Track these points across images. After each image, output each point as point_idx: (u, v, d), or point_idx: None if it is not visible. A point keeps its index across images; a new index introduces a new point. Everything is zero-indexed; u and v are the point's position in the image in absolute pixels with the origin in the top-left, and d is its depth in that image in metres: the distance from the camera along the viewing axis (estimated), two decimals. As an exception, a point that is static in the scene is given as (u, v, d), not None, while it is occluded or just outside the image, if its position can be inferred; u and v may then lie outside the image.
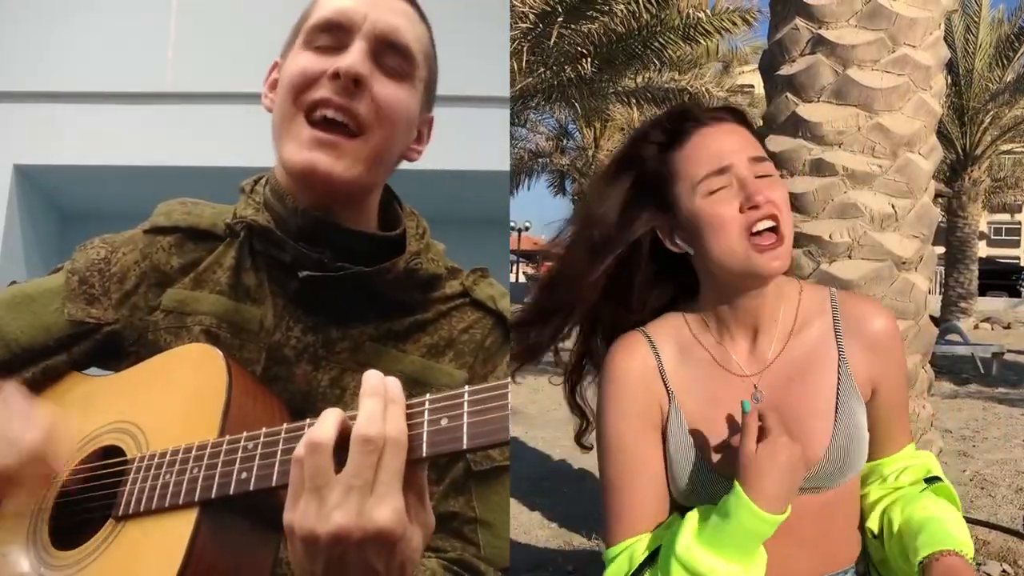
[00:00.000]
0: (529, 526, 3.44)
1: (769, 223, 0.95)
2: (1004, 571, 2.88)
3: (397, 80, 1.06)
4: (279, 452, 0.85)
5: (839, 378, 1.01)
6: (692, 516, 0.94)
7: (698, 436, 1.00)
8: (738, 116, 1.03)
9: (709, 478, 0.99)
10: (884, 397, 1.04)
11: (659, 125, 1.03)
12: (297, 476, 0.78)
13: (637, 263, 1.05)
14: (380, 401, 0.78)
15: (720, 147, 0.98)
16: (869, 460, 1.05)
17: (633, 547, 0.98)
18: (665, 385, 1.02)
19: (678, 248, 1.02)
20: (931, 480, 1.06)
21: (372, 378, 0.79)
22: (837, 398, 1.00)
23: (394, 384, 0.79)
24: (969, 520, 3.25)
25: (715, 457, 1.00)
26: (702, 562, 0.90)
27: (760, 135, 1.06)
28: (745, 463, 0.91)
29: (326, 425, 0.78)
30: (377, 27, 1.04)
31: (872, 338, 1.03)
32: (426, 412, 0.79)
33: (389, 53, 1.05)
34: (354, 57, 1.02)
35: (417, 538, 0.79)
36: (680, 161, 0.99)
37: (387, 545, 0.76)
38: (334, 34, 1.04)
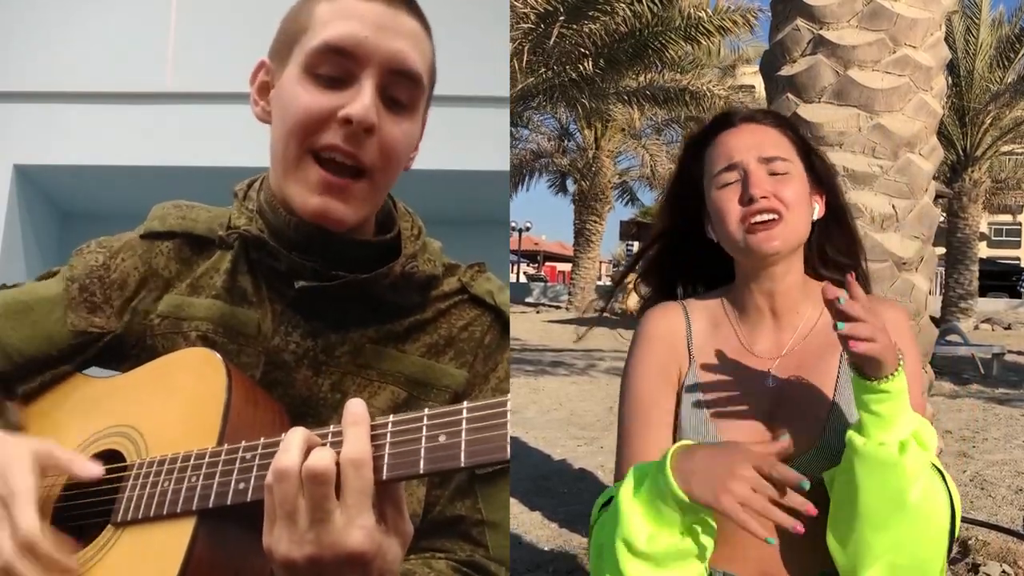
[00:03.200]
0: (529, 526, 3.44)
1: (766, 216, 1.03)
2: (1004, 572, 2.88)
3: (403, 115, 1.03)
4: None
5: (840, 365, 1.05)
6: (637, 467, 0.99)
7: (710, 403, 1.07)
8: (776, 119, 1.13)
9: (709, 441, 1.04)
10: None
11: (702, 127, 1.15)
12: (269, 502, 0.79)
13: (687, 247, 1.17)
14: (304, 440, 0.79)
15: (735, 145, 1.08)
16: None
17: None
18: (689, 350, 1.10)
19: (712, 236, 1.11)
20: None
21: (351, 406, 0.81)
22: (835, 389, 1.04)
23: (354, 404, 0.80)
24: (969, 520, 3.26)
25: (721, 425, 1.06)
26: (629, 516, 0.94)
27: (800, 138, 1.13)
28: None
29: (291, 452, 0.79)
30: (386, 58, 0.99)
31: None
32: (424, 428, 0.79)
33: (397, 84, 1.01)
34: (365, 102, 0.97)
35: (394, 549, 0.81)
36: (707, 158, 1.11)
37: (362, 564, 0.78)
38: (339, 64, 0.98)
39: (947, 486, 0.97)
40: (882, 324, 0.92)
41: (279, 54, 1.06)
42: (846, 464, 0.95)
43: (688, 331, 1.11)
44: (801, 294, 1.09)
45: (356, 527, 0.77)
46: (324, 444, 0.81)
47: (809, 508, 0.88)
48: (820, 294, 1.03)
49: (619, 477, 1.05)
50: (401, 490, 0.81)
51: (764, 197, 1.03)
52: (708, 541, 0.96)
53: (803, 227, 1.07)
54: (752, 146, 1.07)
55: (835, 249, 1.13)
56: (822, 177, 1.13)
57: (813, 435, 1.02)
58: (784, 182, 1.05)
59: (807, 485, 0.89)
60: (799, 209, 1.05)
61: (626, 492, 0.96)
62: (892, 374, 0.91)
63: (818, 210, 1.11)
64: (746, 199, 1.04)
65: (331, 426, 0.83)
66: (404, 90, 1.02)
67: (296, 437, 0.80)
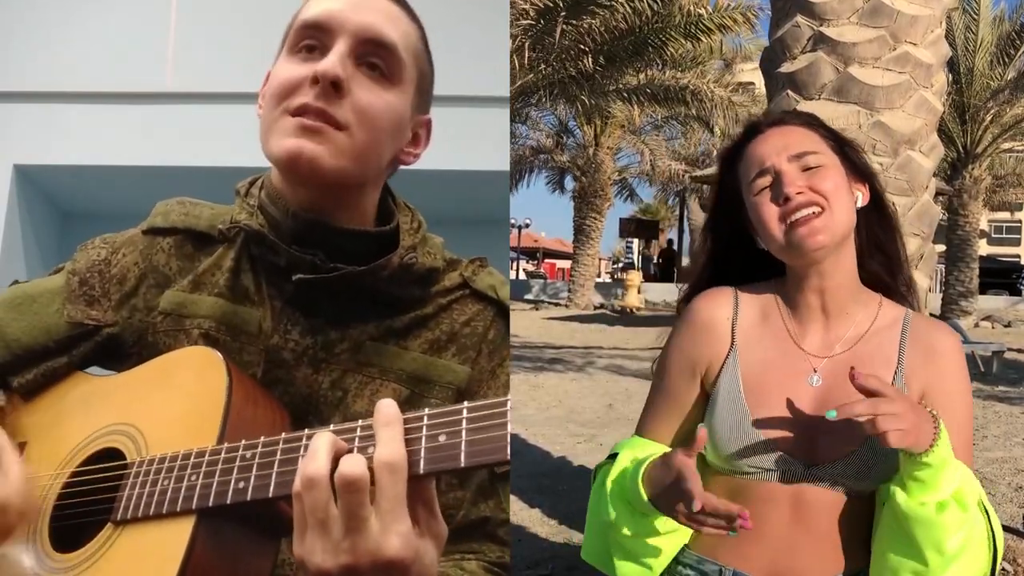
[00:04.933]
0: (529, 523, 3.44)
1: (807, 210, 1.02)
2: (1004, 569, 2.88)
3: (382, 83, 1.05)
4: (276, 463, 0.84)
5: (892, 383, 1.03)
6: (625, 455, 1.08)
7: (748, 391, 1.07)
8: (803, 118, 1.13)
9: (744, 427, 1.05)
10: (930, 407, 1.02)
11: (732, 141, 1.16)
12: (299, 511, 0.76)
13: (738, 263, 1.16)
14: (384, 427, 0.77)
15: (764, 150, 1.08)
16: None
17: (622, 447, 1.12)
18: (732, 335, 1.10)
19: (762, 245, 1.11)
20: None
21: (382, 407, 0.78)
22: None
23: (387, 406, 0.78)
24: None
25: (757, 412, 1.05)
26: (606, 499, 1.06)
27: (832, 132, 1.12)
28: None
29: (319, 458, 0.76)
30: (359, 27, 1.03)
31: (931, 348, 1.06)
32: (424, 428, 0.78)
33: (373, 52, 1.04)
34: (332, 60, 1.00)
35: (431, 552, 0.78)
36: (740, 171, 1.11)
37: (401, 571, 0.75)
38: (316, 37, 1.03)
39: (990, 526, 0.98)
40: (910, 402, 0.91)
41: (277, 55, 1.10)
42: (888, 512, 0.97)
43: (735, 316, 1.11)
44: (852, 294, 1.08)
45: (393, 533, 0.74)
46: (351, 448, 0.79)
47: (744, 524, 0.93)
48: (869, 296, 1.10)
49: (639, 431, 1.15)
50: (432, 490, 0.79)
51: (800, 193, 1.02)
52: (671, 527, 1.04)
53: (847, 216, 1.05)
54: (781, 147, 1.06)
55: (879, 240, 1.12)
56: (860, 167, 1.11)
57: (848, 445, 1.01)
58: (819, 174, 1.04)
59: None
60: (840, 198, 1.04)
61: (607, 489, 1.07)
62: (932, 446, 0.92)
63: (861, 198, 1.10)
64: (781, 198, 1.03)
65: (355, 425, 0.81)
66: (379, 58, 1.04)
67: (323, 441, 0.77)
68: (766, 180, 1.06)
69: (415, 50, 1.10)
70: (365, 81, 1.03)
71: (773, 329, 1.09)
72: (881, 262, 1.12)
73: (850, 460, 1.01)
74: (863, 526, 1.04)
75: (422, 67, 1.12)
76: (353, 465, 0.75)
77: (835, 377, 1.04)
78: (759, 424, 1.04)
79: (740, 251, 1.14)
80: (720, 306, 1.12)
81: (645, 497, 0.99)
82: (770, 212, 1.04)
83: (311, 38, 1.04)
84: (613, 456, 1.11)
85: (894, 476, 0.98)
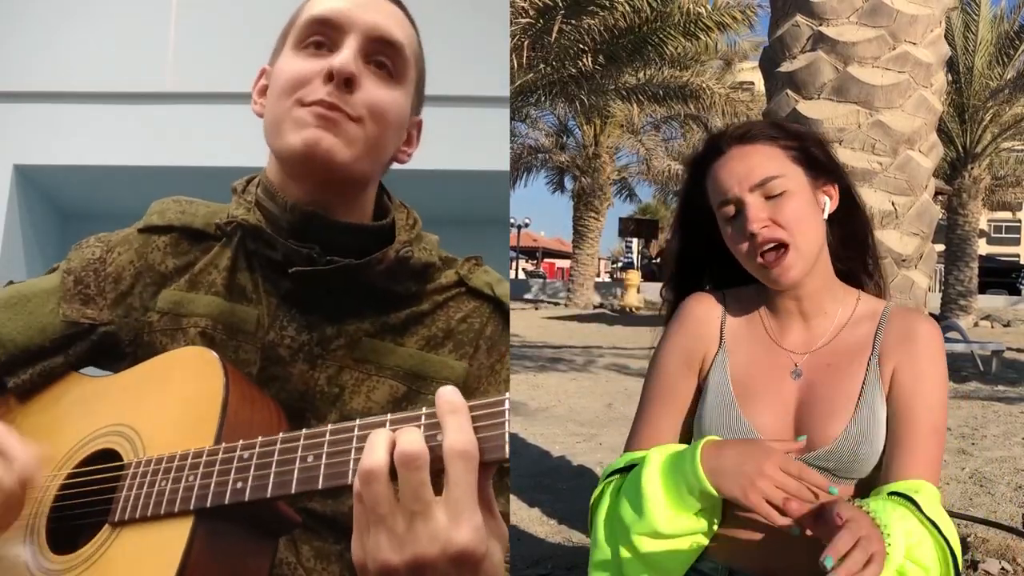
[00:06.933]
0: (528, 522, 3.44)
1: (772, 246, 1.05)
2: (1003, 569, 2.88)
3: (388, 81, 1.06)
4: (274, 463, 0.84)
5: (867, 370, 1.08)
6: (659, 451, 1.05)
7: (737, 388, 1.11)
8: (765, 132, 1.11)
9: (735, 426, 1.08)
10: (900, 385, 1.07)
11: (696, 155, 1.16)
12: (359, 511, 0.73)
13: (711, 254, 1.17)
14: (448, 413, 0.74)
15: (726, 179, 1.08)
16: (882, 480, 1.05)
17: (628, 458, 1.10)
18: (721, 334, 1.14)
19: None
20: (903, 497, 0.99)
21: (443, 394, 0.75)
22: (862, 389, 1.08)
23: (451, 393, 0.75)
24: (968, 518, 3.26)
25: (746, 411, 1.09)
26: (653, 502, 1.01)
27: (794, 137, 1.12)
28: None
29: (377, 451, 0.73)
30: (369, 25, 1.04)
31: (907, 332, 1.09)
32: (423, 428, 0.76)
33: (381, 51, 1.05)
34: (346, 56, 1.02)
35: (498, 553, 0.75)
36: (708, 186, 1.12)
37: (470, 565, 0.71)
38: (325, 33, 1.04)
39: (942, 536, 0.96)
40: (867, 530, 0.88)
41: (275, 53, 1.10)
42: None
43: (723, 316, 1.15)
44: (829, 293, 1.12)
45: (466, 524, 0.71)
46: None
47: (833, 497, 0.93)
48: (846, 292, 1.13)
49: (630, 447, 1.13)
50: (491, 492, 0.76)
51: (765, 227, 1.05)
52: (715, 520, 1.05)
53: (814, 241, 1.08)
54: (742, 175, 1.07)
55: (851, 233, 1.15)
56: (827, 166, 1.13)
57: (834, 432, 1.05)
58: (781, 203, 1.06)
59: (835, 491, 0.94)
60: (804, 226, 1.06)
61: (650, 476, 1.02)
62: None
63: (829, 204, 1.12)
64: (747, 235, 1.05)
65: (418, 414, 0.77)
66: (387, 56, 1.06)
67: (380, 437, 0.74)
68: (731, 210, 1.08)
69: (416, 52, 1.12)
70: (373, 79, 1.05)
71: (756, 331, 1.14)
72: (854, 254, 1.15)
73: (836, 444, 1.05)
74: None
75: (420, 69, 1.14)
76: (411, 440, 0.72)
77: (816, 371, 1.09)
78: (746, 416, 1.08)
79: (710, 248, 1.16)
80: (710, 304, 1.17)
81: (710, 487, 0.97)
82: (741, 247, 1.07)
83: (320, 34, 1.04)
84: (615, 472, 1.10)
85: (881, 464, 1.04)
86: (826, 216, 1.11)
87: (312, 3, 1.07)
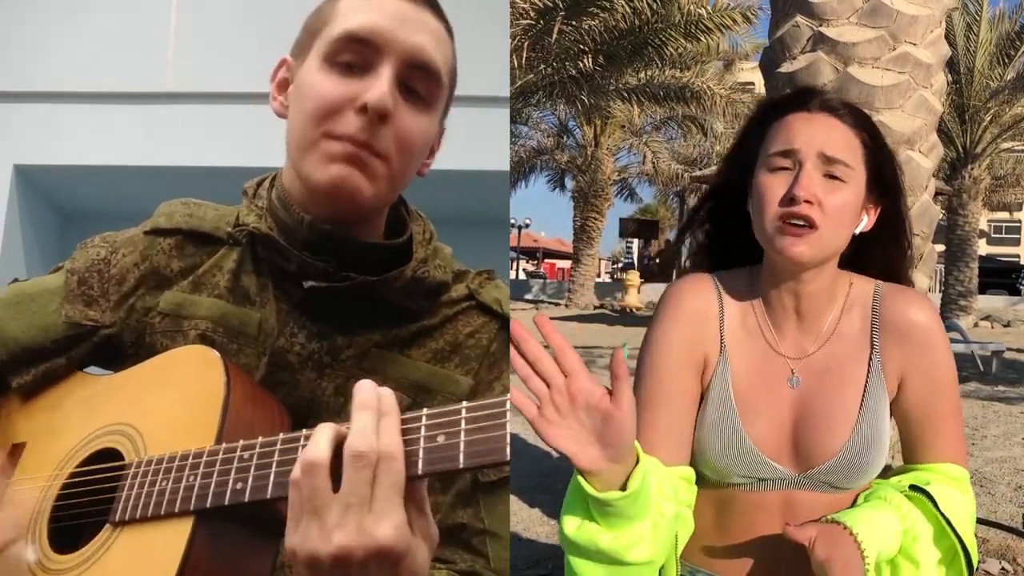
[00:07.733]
0: (529, 523, 3.44)
1: (800, 221, 0.98)
2: (1003, 569, 2.89)
3: (420, 107, 1.02)
4: (274, 463, 0.83)
5: (868, 374, 1.03)
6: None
7: (738, 401, 1.03)
8: (855, 117, 1.04)
9: (736, 439, 1.02)
10: (914, 393, 1.03)
11: (778, 98, 1.08)
12: (296, 498, 0.75)
13: (729, 214, 1.10)
14: (372, 414, 0.75)
15: (798, 132, 1.01)
16: (906, 463, 1.05)
17: None
18: (721, 336, 1.06)
19: (750, 208, 1.05)
20: (920, 491, 0.99)
21: (363, 390, 0.77)
22: (863, 397, 1.02)
23: (387, 395, 0.77)
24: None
25: (746, 422, 1.02)
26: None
27: (876, 144, 1.05)
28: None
29: (320, 444, 0.75)
30: (407, 49, 0.99)
31: (905, 328, 1.03)
32: (423, 428, 0.77)
33: (416, 77, 1.01)
34: (382, 89, 0.97)
35: (423, 552, 0.76)
36: (770, 132, 1.04)
37: (391, 562, 0.74)
38: (359, 52, 0.98)
39: (938, 510, 0.97)
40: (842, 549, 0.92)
41: (300, 49, 1.06)
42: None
43: (721, 315, 1.06)
44: (828, 297, 1.05)
45: (387, 522, 0.73)
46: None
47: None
48: (847, 291, 1.06)
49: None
50: (424, 491, 0.78)
51: (807, 201, 0.97)
52: (646, 511, 0.92)
53: (839, 241, 1.01)
54: (818, 141, 1.00)
55: (880, 258, 1.09)
56: (888, 187, 1.06)
57: (836, 445, 1.01)
58: (835, 190, 0.99)
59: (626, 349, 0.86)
60: (839, 222, 1.00)
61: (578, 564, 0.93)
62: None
63: (865, 223, 1.05)
64: (787, 197, 0.98)
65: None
66: (422, 83, 1.01)
67: (325, 431, 0.76)
68: (785, 162, 1.00)
69: (451, 69, 1.08)
70: (406, 106, 1.00)
71: (752, 333, 1.06)
72: (884, 267, 1.10)
73: (839, 459, 1.01)
74: None
75: (453, 84, 1.10)
76: (362, 440, 0.74)
77: (814, 379, 1.03)
78: (749, 434, 1.02)
79: (736, 215, 1.08)
80: (707, 302, 1.07)
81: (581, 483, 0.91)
82: (772, 201, 0.99)
83: (353, 52, 0.98)
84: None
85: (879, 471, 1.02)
86: (857, 232, 1.04)
87: (348, 15, 1.00)
